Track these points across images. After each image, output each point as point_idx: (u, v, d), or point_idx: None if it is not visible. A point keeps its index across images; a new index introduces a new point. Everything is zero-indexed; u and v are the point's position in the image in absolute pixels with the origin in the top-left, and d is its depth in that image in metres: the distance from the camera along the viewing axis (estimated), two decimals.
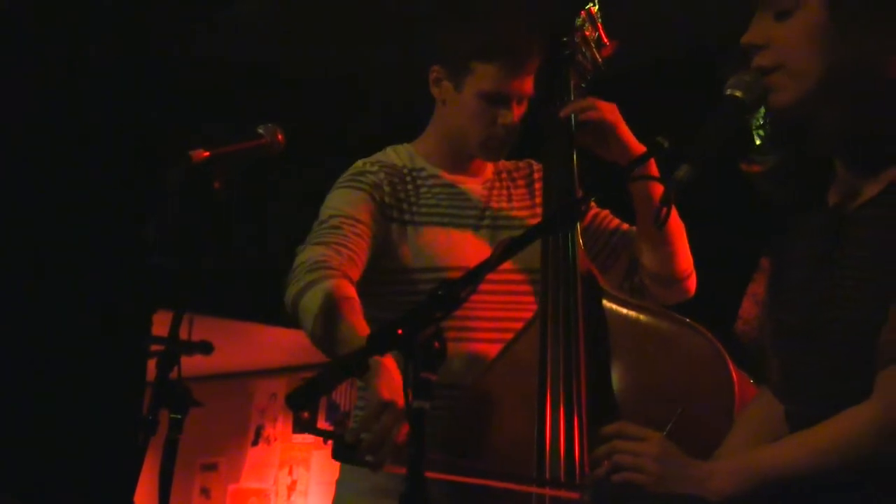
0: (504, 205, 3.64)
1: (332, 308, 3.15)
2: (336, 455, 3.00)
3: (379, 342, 2.25)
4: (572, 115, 3.42)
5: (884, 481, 2.28)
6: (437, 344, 2.21)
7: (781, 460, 2.36)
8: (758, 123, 2.49)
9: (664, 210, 2.40)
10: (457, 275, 2.93)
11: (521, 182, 3.70)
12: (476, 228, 3.56)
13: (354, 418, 3.62)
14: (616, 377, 3.17)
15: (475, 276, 2.36)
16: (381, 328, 2.25)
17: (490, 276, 3.32)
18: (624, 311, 3.24)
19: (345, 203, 3.47)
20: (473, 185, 3.63)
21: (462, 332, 3.44)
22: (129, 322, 6.40)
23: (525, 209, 3.64)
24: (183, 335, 3.13)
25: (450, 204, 3.58)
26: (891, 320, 2.27)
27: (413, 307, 2.25)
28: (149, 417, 3.00)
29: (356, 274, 3.35)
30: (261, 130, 3.31)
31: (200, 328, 7.29)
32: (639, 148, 3.39)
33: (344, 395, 9.35)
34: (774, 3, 2.44)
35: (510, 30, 3.49)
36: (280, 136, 3.31)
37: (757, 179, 2.55)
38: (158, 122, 6.37)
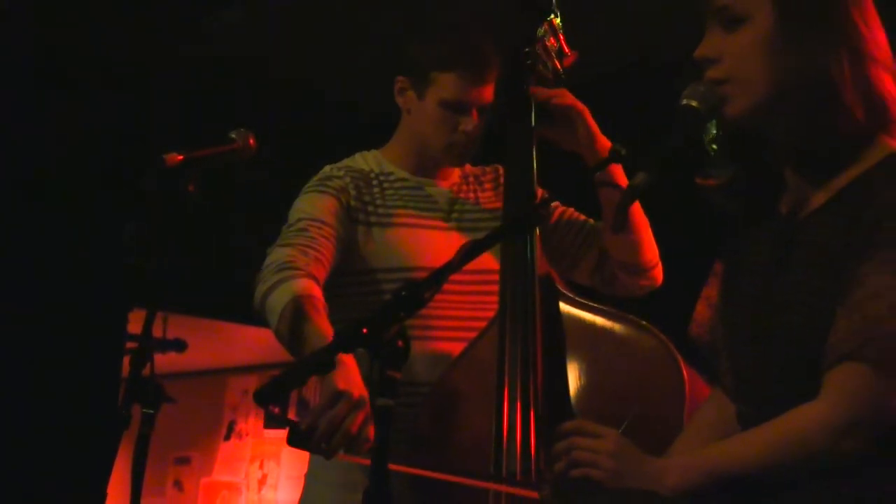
0: (470, 207, 3.65)
1: (296, 307, 3.14)
2: (291, 441, 2.96)
3: (344, 340, 2.25)
4: (533, 112, 3.43)
5: (831, 478, 2.29)
6: (400, 343, 2.21)
7: (732, 457, 2.37)
8: (711, 138, 2.50)
9: (620, 217, 2.41)
10: (423, 275, 2.93)
11: (487, 185, 3.71)
12: (442, 230, 3.57)
13: None
14: (572, 376, 3.17)
15: (438, 277, 2.36)
16: (346, 327, 2.24)
17: (454, 277, 3.35)
18: (580, 312, 3.25)
19: (311, 207, 3.47)
20: (440, 188, 3.64)
21: (426, 330, 3.44)
22: (105, 320, 6.39)
23: (491, 212, 3.65)
24: (158, 333, 3.14)
25: (416, 206, 3.59)
26: (838, 323, 2.28)
27: (378, 307, 2.25)
28: (122, 412, 2.98)
29: (322, 274, 3.34)
30: (233, 135, 3.30)
31: (175, 327, 7.30)
32: (603, 139, 3.40)
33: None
34: (724, 17, 2.45)
35: (469, 40, 3.51)
36: (252, 141, 3.30)
37: (711, 193, 2.56)
38: (134, 125, 6.36)
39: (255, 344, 8.59)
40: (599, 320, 3.22)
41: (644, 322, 3.20)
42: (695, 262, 2.86)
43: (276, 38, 6.39)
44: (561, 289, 3.30)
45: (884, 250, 2.27)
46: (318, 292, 3.23)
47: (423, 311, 3.37)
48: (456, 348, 3.40)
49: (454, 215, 3.61)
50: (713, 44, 2.46)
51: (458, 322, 3.47)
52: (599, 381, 3.16)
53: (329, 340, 2.97)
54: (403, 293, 2.26)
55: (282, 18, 6.21)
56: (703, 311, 2.67)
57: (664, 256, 3.60)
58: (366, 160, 3.65)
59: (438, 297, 3.39)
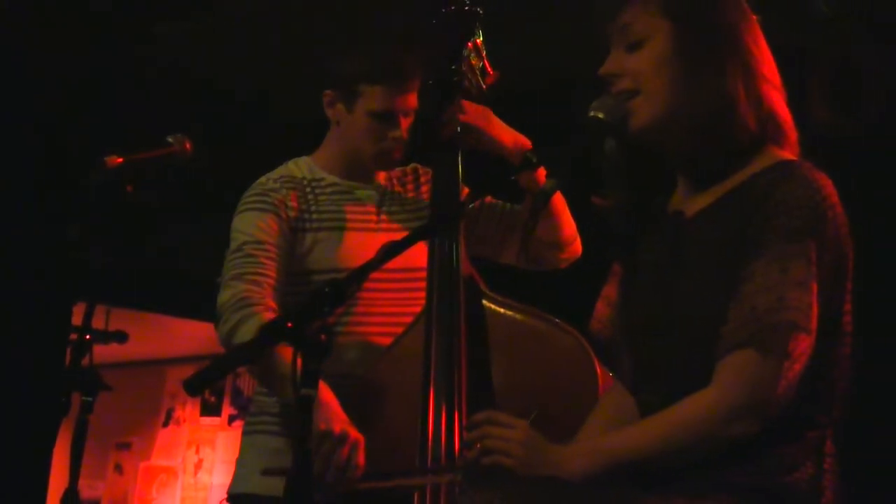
0: (397, 208, 3.65)
1: None
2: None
3: (270, 334, 2.24)
4: (458, 127, 3.45)
5: (723, 463, 2.30)
6: (323, 337, 2.19)
7: (630, 443, 2.37)
8: (607, 151, 2.51)
9: (533, 220, 2.43)
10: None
11: (409, 186, 3.72)
12: (373, 231, 3.56)
13: (255, 402, 3.63)
14: (494, 370, 3.18)
15: (360, 275, 2.36)
16: (272, 322, 2.23)
17: (387, 275, 3.36)
18: (502, 311, 3.26)
19: (254, 228, 3.45)
20: (369, 192, 3.64)
21: (361, 326, 3.46)
22: (49, 312, 6.34)
23: (414, 212, 3.65)
24: (101, 325, 3.12)
25: (348, 209, 3.58)
26: (730, 314, 2.30)
27: (303, 303, 2.24)
28: (61, 399, 2.97)
29: (276, 300, 3.37)
30: (170, 139, 3.29)
31: (118, 319, 7.24)
32: (511, 142, 3.45)
33: (247, 382, 9.33)
34: (626, 38, 2.48)
35: (393, 55, 3.51)
36: (188, 145, 3.30)
37: (606, 212, 2.57)
38: (78, 129, 6.32)
39: (192, 336, 8.58)
40: (520, 318, 3.24)
41: (561, 321, 3.22)
42: (596, 266, 2.87)
43: (219, 48, 6.36)
44: (484, 288, 3.31)
45: (772, 248, 2.29)
46: None
47: (359, 308, 3.43)
48: (387, 342, 3.40)
49: (383, 216, 3.61)
50: (617, 62, 2.49)
51: (390, 318, 3.47)
52: (519, 375, 3.17)
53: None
54: (326, 290, 2.25)
55: (225, 31, 6.19)
56: (602, 310, 2.68)
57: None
58: (298, 167, 3.63)
59: (373, 294, 3.44)
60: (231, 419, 9.50)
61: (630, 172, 2.54)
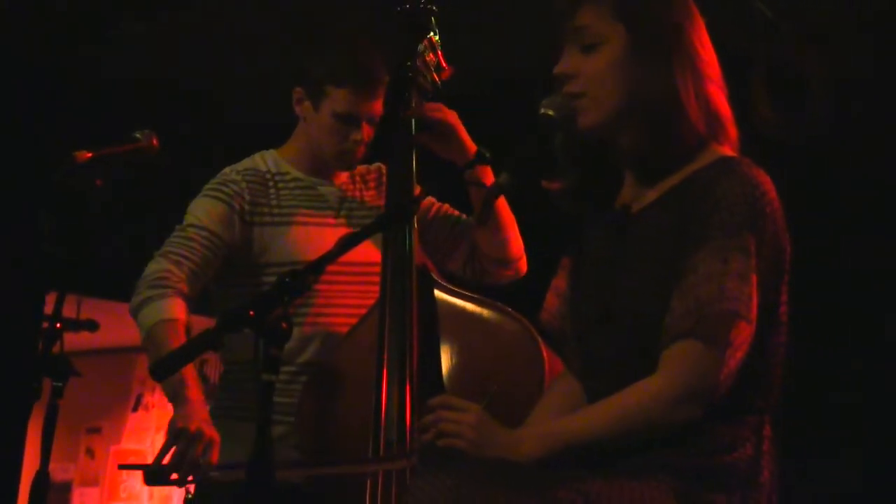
0: (357, 205, 3.64)
1: (159, 330, 3.28)
2: (147, 481, 3.15)
3: (232, 321, 2.23)
4: (413, 122, 3.42)
5: (667, 445, 2.32)
6: (284, 325, 2.20)
7: (580, 427, 2.38)
8: (558, 144, 2.52)
9: (486, 210, 2.44)
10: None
11: (371, 184, 3.71)
12: (332, 226, 3.56)
13: (220, 388, 3.68)
14: (445, 356, 3.19)
15: (318, 266, 2.36)
16: (234, 309, 2.23)
17: (347, 268, 3.36)
18: (453, 299, 3.25)
19: (204, 214, 3.47)
20: (331, 188, 3.63)
21: (320, 317, 3.47)
22: (21, 302, 6.31)
23: (375, 208, 3.65)
24: (72, 314, 3.13)
25: (309, 204, 3.58)
26: (674, 305, 2.31)
27: (263, 292, 2.24)
28: (32, 385, 2.97)
29: (195, 286, 3.42)
30: (138, 135, 3.28)
31: (88, 308, 7.20)
32: (473, 148, 3.41)
33: (213, 368, 9.30)
34: (581, 39, 2.48)
35: (360, 59, 3.50)
36: (155, 141, 3.30)
37: (556, 195, 2.57)
38: (48, 125, 6.29)
39: None
40: (470, 306, 3.23)
41: (509, 308, 3.23)
42: (547, 258, 2.88)
43: (179, 50, 6.34)
44: (436, 277, 3.31)
45: (714, 241, 2.31)
46: (181, 314, 3.33)
47: (320, 300, 3.42)
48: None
49: (343, 212, 3.60)
50: (571, 63, 2.49)
51: (350, 309, 3.46)
52: (469, 360, 3.17)
53: (180, 373, 3.16)
54: (286, 280, 2.25)
55: (184, 33, 6.18)
56: (552, 300, 2.69)
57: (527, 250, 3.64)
58: (264, 160, 3.63)
59: (333, 286, 3.44)
60: None
61: (579, 161, 2.54)
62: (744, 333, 2.29)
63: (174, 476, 3.10)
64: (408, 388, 3.11)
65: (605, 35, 2.46)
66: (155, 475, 3.09)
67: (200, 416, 3.13)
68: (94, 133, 3.36)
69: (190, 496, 3.56)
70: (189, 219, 3.47)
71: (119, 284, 7.24)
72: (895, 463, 5.46)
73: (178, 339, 3.24)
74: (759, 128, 4.96)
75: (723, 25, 2.58)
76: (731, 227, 2.31)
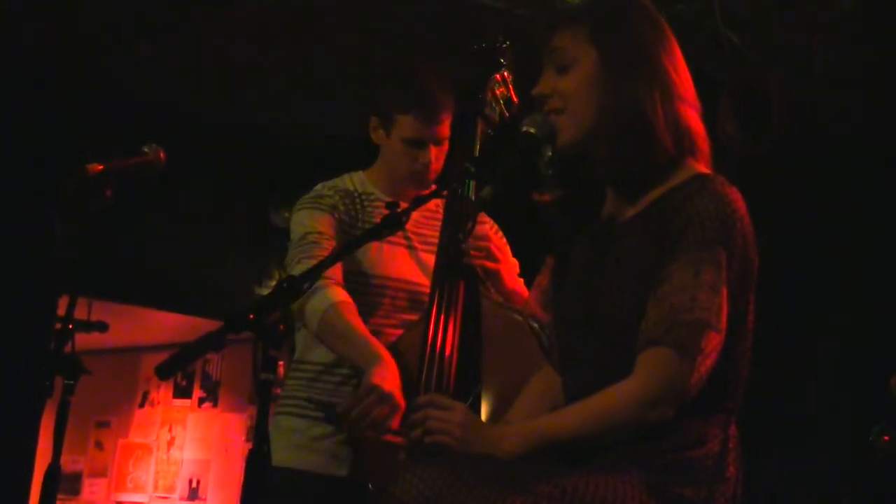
0: (428, 231, 3.64)
1: (335, 313, 3.27)
2: (326, 419, 3.22)
3: (234, 324, 2.23)
4: (478, 140, 3.47)
5: (640, 441, 2.32)
6: (282, 327, 2.19)
7: (560, 425, 2.38)
8: (545, 160, 2.51)
9: (470, 223, 2.44)
10: (390, 283, 3.44)
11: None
12: (405, 247, 3.59)
13: (283, 388, 3.68)
14: (486, 367, 3.21)
15: (314, 272, 2.36)
16: (236, 313, 2.22)
17: (394, 283, 3.50)
18: (498, 309, 3.28)
19: (313, 221, 3.49)
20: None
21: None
22: (35, 304, 6.30)
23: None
24: (83, 316, 3.12)
25: None
26: (649, 313, 2.31)
27: (262, 297, 2.24)
28: (45, 383, 2.96)
29: (341, 276, 3.40)
30: (146, 149, 3.27)
31: (99, 310, 7.19)
32: (511, 285, 3.57)
33: (216, 367, 9.29)
34: (557, 61, 2.49)
35: (424, 87, 3.53)
36: (162, 155, 3.29)
37: (544, 207, 2.57)
38: (62, 139, 6.29)
39: (166, 326, 8.54)
40: (514, 318, 3.24)
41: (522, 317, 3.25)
42: (533, 257, 2.88)
43: (182, 72, 6.35)
44: (482, 289, 3.33)
45: (687, 253, 2.31)
46: (348, 297, 3.33)
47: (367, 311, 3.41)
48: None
49: (416, 235, 3.62)
50: (547, 83, 2.49)
51: (390, 320, 3.52)
52: (508, 371, 3.16)
53: (367, 338, 3.21)
54: (284, 285, 2.24)
55: (186, 56, 6.19)
56: (535, 297, 2.69)
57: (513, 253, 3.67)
58: (352, 180, 3.66)
59: (381, 299, 3.44)
60: (200, 401, 9.44)
61: (563, 174, 2.54)
62: (713, 342, 2.29)
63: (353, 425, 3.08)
64: (443, 388, 3.14)
65: (578, 56, 2.46)
66: (337, 418, 3.10)
67: (395, 380, 3.11)
68: (104, 146, 3.35)
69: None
70: (300, 230, 3.48)
71: (127, 288, 7.29)
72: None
73: (356, 318, 3.27)
74: (725, 143, 4.99)
75: (694, 50, 2.57)
76: (703, 241, 2.31)
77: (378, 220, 3.50)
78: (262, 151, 3.52)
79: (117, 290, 7.16)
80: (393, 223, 2.46)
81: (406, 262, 3.55)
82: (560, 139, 2.46)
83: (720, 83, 5.33)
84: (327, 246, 3.42)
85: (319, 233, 3.45)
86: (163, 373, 2.24)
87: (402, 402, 3.07)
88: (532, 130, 2.46)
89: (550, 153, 2.49)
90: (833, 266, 5.74)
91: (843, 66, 5.49)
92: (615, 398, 2.32)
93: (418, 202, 2.63)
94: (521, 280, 3.59)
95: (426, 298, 3.42)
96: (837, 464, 5.44)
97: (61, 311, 3.12)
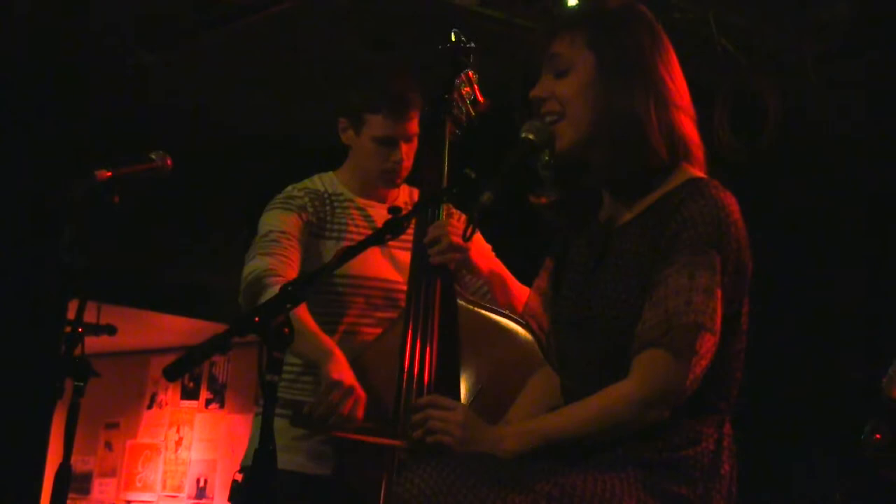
0: (407, 230, 3.62)
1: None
2: (294, 422, 3.15)
3: (240, 327, 2.23)
4: (445, 154, 3.46)
5: (636, 440, 2.32)
6: (286, 330, 2.20)
7: (559, 425, 2.38)
8: (543, 164, 2.51)
9: (469, 228, 2.44)
10: (362, 282, 3.40)
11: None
12: (379, 246, 3.55)
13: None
14: (464, 362, 3.20)
15: (316, 277, 2.38)
16: (241, 315, 2.23)
17: (366, 282, 3.47)
18: (473, 309, 3.27)
19: (279, 221, 3.49)
20: (381, 210, 3.62)
21: (337, 324, 3.47)
22: (46, 308, 6.31)
23: None
24: (92, 320, 3.13)
25: (358, 223, 3.59)
26: (645, 315, 2.31)
27: (267, 300, 2.24)
28: (56, 385, 2.97)
29: (294, 276, 3.38)
30: (153, 156, 3.27)
31: (107, 314, 7.19)
32: (486, 269, 3.44)
33: (222, 369, 9.29)
34: (554, 66, 2.48)
35: (392, 87, 3.53)
36: (169, 162, 3.28)
37: (541, 209, 2.57)
38: (71, 146, 6.30)
39: (174, 329, 8.56)
40: (488, 315, 3.25)
41: (522, 319, 3.24)
42: (530, 259, 2.87)
43: (189, 78, 6.36)
44: (458, 288, 3.32)
45: (682, 256, 2.31)
46: None
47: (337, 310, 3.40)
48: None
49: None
50: (545, 87, 2.48)
51: (364, 319, 3.51)
52: (485, 365, 3.18)
53: (318, 334, 3.20)
54: (289, 289, 2.24)
55: (193, 61, 6.19)
56: (533, 298, 2.69)
57: (512, 255, 3.63)
58: (322, 181, 3.65)
59: (352, 298, 3.43)
60: (207, 402, 9.45)
61: (560, 177, 2.54)
62: (708, 343, 2.29)
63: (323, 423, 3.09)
64: (425, 384, 3.14)
65: (576, 61, 2.45)
66: (305, 419, 3.09)
67: (351, 374, 3.12)
68: (112, 153, 3.35)
69: (237, 482, 3.57)
70: (266, 227, 3.49)
71: (135, 292, 7.30)
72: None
73: (305, 314, 3.25)
74: (719, 149, 4.99)
75: (690, 59, 2.57)
76: (698, 244, 2.31)
77: (348, 220, 3.56)
78: (270, 156, 3.52)
79: (125, 294, 7.17)
80: (396, 228, 2.46)
81: (380, 261, 3.53)
82: (558, 145, 2.45)
83: (715, 90, 5.34)
84: (287, 245, 3.42)
85: (282, 231, 3.45)
86: (170, 375, 2.24)
87: (362, 393, 3.10)
88: (531, 136, 2.45)
89: (547, 156, 2.48)
90: (830, 268, 5.74)
91: (837, 72, 5.50)
92: (613, 399, 2.32)
93: (417, 209, 2.63)
94: (498, 260, 3.53)
95: (401, 296, 3.43)
96: (829, 461, 5.44)
97: (71, 315, 3.11)
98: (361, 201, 3.63)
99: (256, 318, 2.20)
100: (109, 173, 3.12)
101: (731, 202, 2.37)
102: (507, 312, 3.28)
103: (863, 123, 5.71)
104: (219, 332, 2.23)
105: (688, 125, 2.46)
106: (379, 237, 2.47)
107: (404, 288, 3.45)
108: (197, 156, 5.83)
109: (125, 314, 7.45)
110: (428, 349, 3.18)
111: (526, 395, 2.71)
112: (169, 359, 2.26)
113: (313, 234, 3.52)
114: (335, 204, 3.59)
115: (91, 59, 6.07)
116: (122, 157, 3.21)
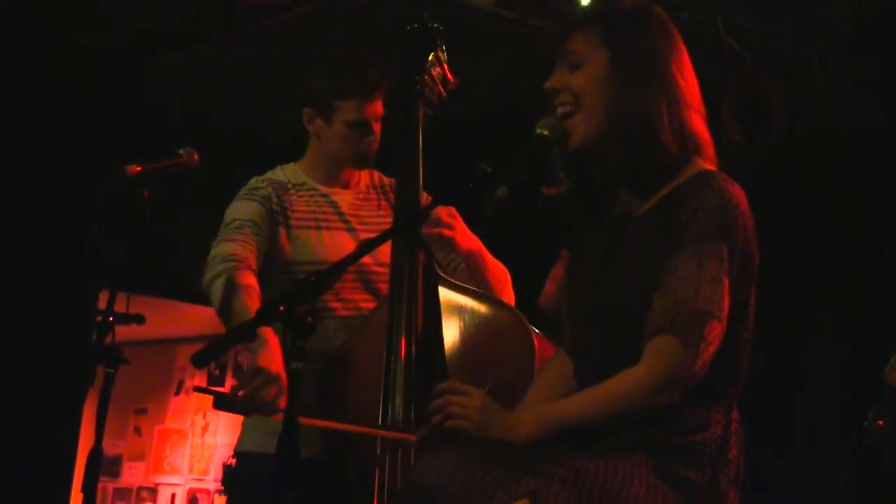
0: (373, 212, 3.62)
1: (233, 292, 3.22)
2: (216, 405, 3.08)
3: (265, 315, 2.24)
4: (420, 131, 3.41)
5: (647, 425, 2.32)
6: (309, 319, 2.20)
7: (573, 411, 2.38)
8: (556, 154, 2.50)
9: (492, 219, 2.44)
10: (325, 267, 3.05)
11: (381, 195, 3.69)
12: (343, 230, 3.56)
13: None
14: (448, 344, 3.16)
15: (340, 267, 2.36)
16: (266, 304, 2.23)
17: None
18: (454, 293, 3.22)
19: (244, 211, 3.48)
20: (345, 196, 3.62)
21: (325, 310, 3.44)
22: (78, 299, 6.32)
23: (384, 217, 3.63)
24: (122, 309, 3.14)
25: (322, 210, 3.57)
26: (655, 303, 2.32)
27: (291, 289, 2.24)
28: (88, 372, 2.98)
29: (256, 263, 3.38)
30: (181, 152, 3.28)
31: (137, 304, 7.20)
32: (465, 248, 3.35)
33: (247, 357, 9.28)
34: (568, 58, 2.48)
35: (360, 71, 3.53)
36: (196, 157, 3.29)
37: (555, 200, 2.57)
38: (103, 142, 6.31)
39: (200, 319, 8.54)
40: (470, 299, 3.21)
41: (503, 301, 3.25)
42: (546, 249, 2.86)
43: (207, 79, 6.38)
44: (439, 272, 3.27)
45: (690, 246, 2.31)
46: (253, 282, 3.29)
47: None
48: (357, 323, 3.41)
49: (354, 218, 3.59)
50: (559, 79, 2.49)
51: (348, 303, 3.49)
52: (469, 346, 3.15)
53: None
54: (312, 279, 2.24)
55: (209, 65, 6.20)
56: (550, 287, 2.68)
57: (522, 249, 3.62)
58: (284, 172, 3.63)
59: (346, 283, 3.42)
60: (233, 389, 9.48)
61: (574, 170, 2.53)
62: (716, 330, 2.30)
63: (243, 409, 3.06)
64: (412, 372, 3.10)
65: (590, 56, 2.45)
66: (226, 402, 3.05)
67: (279, 361, 3.06)
68: (142, 149, 3.35)
69: (231, 466, 3.56)
70: (230, 216, 3.48)
71: (164, 283, 7.31)
72: None
73: (251, 299, 3.21)
74: (727, 147, 4.98)
75: (697, 57, 2.56)
76: (706, 235, 2.31)
77: (314, 207, 3.53)
78: (288, 153, 3.53)
79: (154, 285, 7.18)
80: (408, 225, 2.46)
81: (349, 246, 3.48)
82: (572, 141, 2.45)
83: (722, 88, 5.32)
84: (248, 232, 3.40)
85: (245, 220, 3.44)
86: (198, 362, 2.24)
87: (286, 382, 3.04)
88: (546, 132, 2.45)
89: (559, 150, 2.48)
90: (835, 262, 5.72)
91: (842, 72, 5.48)
92: (624, 384, 2.33)
93: (424, 212, 2.61)
94: (476, 237, 3.45)
95: (375, 278, 3.44)
96: (831, 449, 5.43)
97: (102, 305, 3.12)
98: (325, 189, 3.61)
99: (281, 308, 2.20)
100: (139, 168, 3.13)
101: (738, 194, 2.38)
102: (485, 294, 3.25)
103: (864, 123, 5.69)
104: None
105: (699, 123, 2.46)
106: (392, 234, 2.46)
107: (376, 269, 3.45)
108: (223, 152, 5.86)
109: (154, 304, 7.46)
110: (413, 329, 3.15)
111: (541, 381, 2.71)
112: (196, 347, 2.26)
113: (278, 222, 3.50)
114: (300, 193, 3.58)
115: (110, 60, 6.07)
116: (151, 154, 3.22)
